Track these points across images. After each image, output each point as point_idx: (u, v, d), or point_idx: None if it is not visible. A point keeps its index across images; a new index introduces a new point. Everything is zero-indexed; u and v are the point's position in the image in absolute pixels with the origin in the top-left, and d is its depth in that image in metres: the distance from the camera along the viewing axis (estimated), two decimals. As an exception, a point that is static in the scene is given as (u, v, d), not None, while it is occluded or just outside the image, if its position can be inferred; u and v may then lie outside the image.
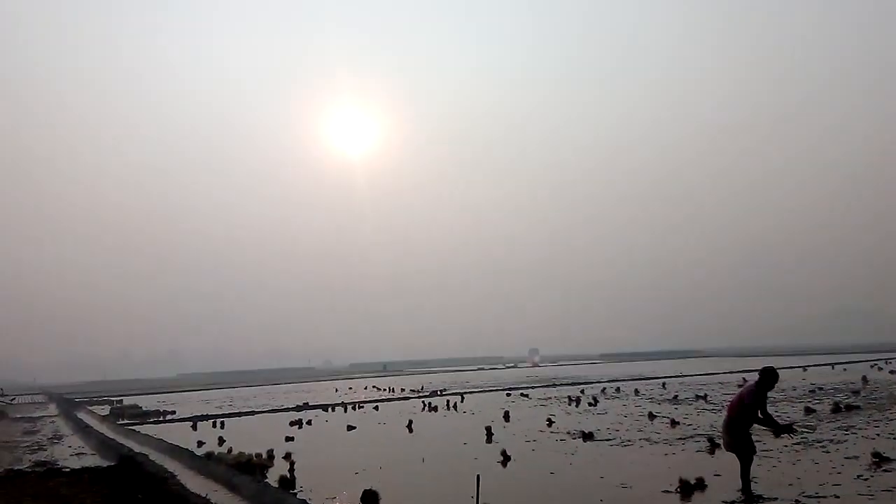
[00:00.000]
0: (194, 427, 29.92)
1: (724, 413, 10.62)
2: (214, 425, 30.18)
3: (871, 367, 52.98)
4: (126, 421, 37.09)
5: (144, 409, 47.79)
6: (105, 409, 49.47)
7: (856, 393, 28.35)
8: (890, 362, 59.21)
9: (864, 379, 36.32)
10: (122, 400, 66.17)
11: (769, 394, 10.37)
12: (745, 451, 10.29)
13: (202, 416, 35.89)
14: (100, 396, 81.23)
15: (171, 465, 17.43)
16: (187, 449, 19.97)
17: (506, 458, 15.41)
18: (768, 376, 10.25)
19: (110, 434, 27.92)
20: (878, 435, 15.96)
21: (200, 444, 22.13)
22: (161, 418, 38.30)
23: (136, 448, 21.39)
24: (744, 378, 45.29)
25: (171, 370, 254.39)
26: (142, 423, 34.25)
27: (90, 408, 52.31)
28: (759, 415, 10.21)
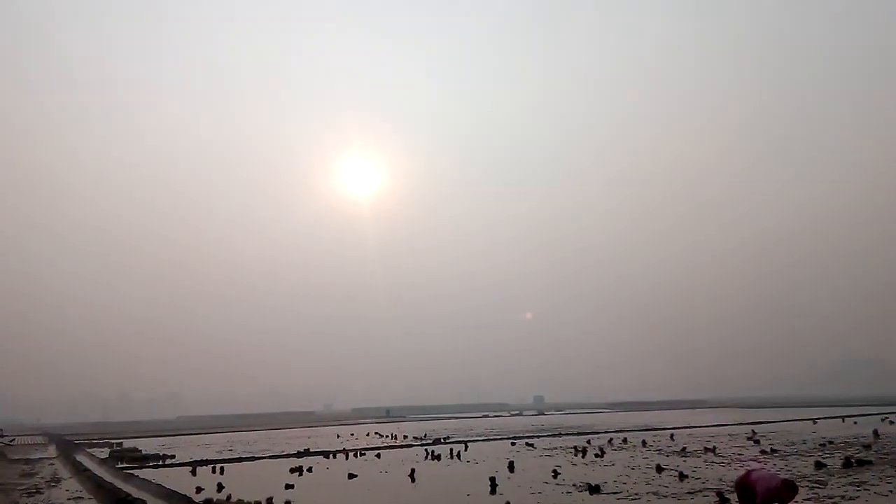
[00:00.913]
0: (193, 472, 29.50)
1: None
2: (214, 470, 29.73)
3: (882, 420, 52.11)
4: (125, 464, 36.60)
5: (144, 452, 47.14)
6: (104, 452, 48.84)
7: (867, 447, 27.85)
8: (901, 416, 58.23)
9: (876, 433, 35.70)
10: (122, 443, 65.39)
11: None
12: None
13: (202, 460, 35.40)
14: (100, 438, 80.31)
15: (170, 512, 17.15)
16: (186, 495, 19.67)
17: (510, 511, 15.11)
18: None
19: (108, 478, 27.55)
20: (891, 492, 15.63)
21: (199, 489, 21.80)
22: (160, 462, 37.78)
23: (135, 493, 21.09)
24: (753, 430, 44.60)
25: (172, 412, 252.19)
26: (141, 468, 33.78)
27: (90, 450, 51.69)
28: None
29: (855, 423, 50.19)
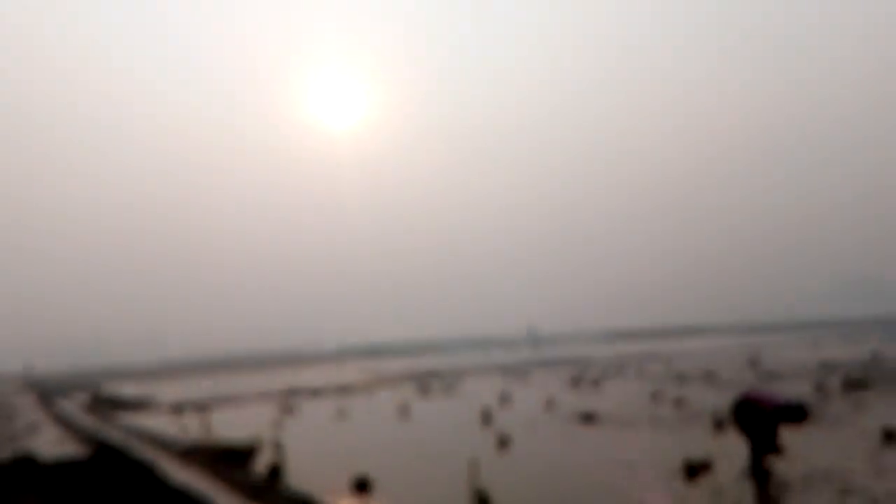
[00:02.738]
0: (178, 414, 30.00)
1: (742, 396, 10.69)
2: (199, 412, 30.23)
3: (881, 340, 53.55)
4: (106, 409, 37.13)
5: (125, 396, 47.85)
6: (85, 397, 49.48)
7: (866, 368, 28.64)
8: (901, 335, 59.87)
9: (875, 353, 36.70)
10: (102, 387, 66.26)
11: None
12: (755, 437, 10.41)
13: (186, 402, 35.98)
14: (80, 381, 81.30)
15: (154, 454, 17.48)
16: (170, 437, 20.03)
17: (503, 442, 15.52)
18: (798, 412, 10.37)
19: (90, 423, 27.96)
20: (889, 411, 16.14)
21: (184, 431, 22.17)
22: (143, 405, 38.36)
23: (117, 437, 21.43)
24: (751, 354, 45.73)
25: (153, 354, 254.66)
26: (123, 411, 34.30)
27: (69, 396, 52.33)
28: (768, 440, 10.27)
29: (854, 343, 51.54)
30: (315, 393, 37.41)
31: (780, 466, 10.56)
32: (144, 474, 13.82)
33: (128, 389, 57.53)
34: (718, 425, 15.65)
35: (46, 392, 58.25)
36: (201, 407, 32.72)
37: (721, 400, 20.89)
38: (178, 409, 32.33)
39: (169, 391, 51.80)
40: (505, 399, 25.95)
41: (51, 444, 22.30)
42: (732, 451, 12.39)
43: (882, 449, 11.80)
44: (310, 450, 16.99)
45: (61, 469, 15.84)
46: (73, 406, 40.63)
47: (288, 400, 33.31)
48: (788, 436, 12.60)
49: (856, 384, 22.27)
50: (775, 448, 10.26)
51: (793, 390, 21.78)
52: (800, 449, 12.13)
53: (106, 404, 41.69)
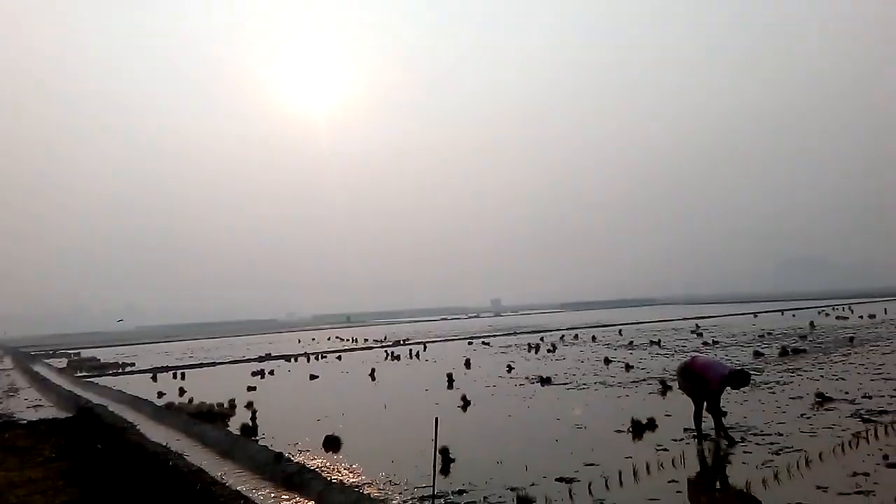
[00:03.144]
0: (154, 378, 29.72)
1: (688, 361, 10.90)
2: (175, 377, 30.02)
3: (819, 313, 55.05)
4: (84, 373, 36.62)
5: (103, 361, 47.20)
6: (62, 362, 48.73)
7: (803, 338, 29.46)
8: (837, 309, 61.57)
9: (812, 324, 37.76)
10: (79, 353, 65.27)
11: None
12: (697, 398, 10.65)
13: (162, 367, 35.64)
14: (56, 350, 79.89)
15: (131, 416, 17.34)
16: (147, 400, 19.87)
17: (466, 403, 15.71)
18: (741, 378, 10.54)
19: (68, 386, 27.57)
20: (822, 376, 16.66)
21: (161, 395, 22.03)
22: (120, 370, 37.91)
23: (95, 399, 21.19)
24: (697, 324, 46.71)
25: (130, 323, 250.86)
26: (100, 376, 33.85)
27: (47, 361, 51.47)
28: (711, 404, 10.52)
29: (793, 316, 52.92)
30: (288, 358, 37.31)
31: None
32: (122, 434, 13.70)
33: (106, 355, 56.68)
34: (664, 388, 16.02)
35: (24, 357, 57.13)
36: (177, 371, 32.44)
37: (667, 365, 21.38)
38: (154, 373, 31.98)
39: (146, 357, 51.18)
40: (468, 364, 26.20)
41: (30, 406, 21.97)
42: (677, 411, 12.72)
43: (814, 410, 12.17)
44: (282, 411, 17.01)
45: (41, 429, 15.61)
46: (51, 370, 39.95)
47: (262, 364, 33.18)
48: (729, 398, 12.97)
49: (793, 352, 22.89)
50: (718, 409, 10.53)
51: (733, 357, 22.33)
52: (739, 411, 12.46)
53: (84, 368, 41.07)
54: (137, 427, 14.95)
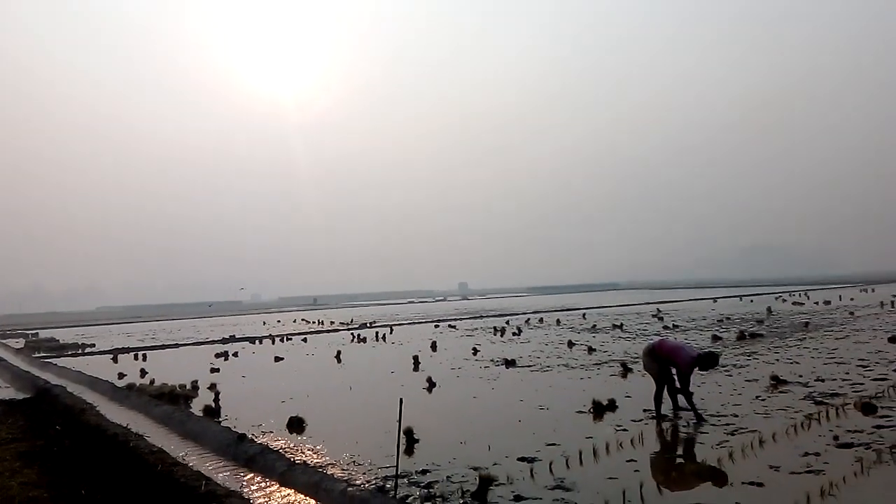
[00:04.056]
0: (115, 360, 29.22)
1: (656, 344, 11.11)
2: (136, 358, 29.55)
3: (776, 299, 56.45)
4: (42, 354, 35.82)
5: (62, 342, 46.22)
6: (19, 343, 47.60)
7: (760, 322, 30.20)
8: (794, 295, 63.19)
9: (769, 310, 38.70)
10: (37, 333, 63.80)
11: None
12: (661, 380, 10.88)
13: (123, 348, 35.04)
14: (13, 329, 77.98)
15: (91, 397, 17.06)
16: (107, 381, 19.54)
17: (431, 385, 15.79)
18: (711, 360, 10.80)
19: (25, 367, 26.97)
20: (777, 360, 17.12)
21: (121, 376, 21.67)
22: (79, 351, 37.16)
23: (53, 380, 20.78)
24: (658, 309, 47.56)
25: (90, 304, 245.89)
26: (59, 356, 33.15)
27: (3, 341, 50.23)
28: (681, 385, 10.76)
29: (752, 301, 54.17)
30: (253, 340, 37.00)
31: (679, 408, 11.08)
32: (81, 415, 13.47)
33: (65, 335, 55.51)
34: (625, 370, 16.31)
35: (-20, 338, 55.64)
36: (139, 352, 31.93)
37: (629, 348, 21.75)
38: (115, 354, 31.44)
39: (106, 338, 50.26)
40: (434, 347, 26.30)
41: (-16, 386, 21.43)
42: (636, 392, 12.96)
43: (769, 393, 12.51)
44: (246, 393, 16.88)
45: (-5, 410, 15.27)
46: (7, 350, 39.02)
47: (225, 346, 32.85)
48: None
49: (750, 336, 23.45)
50: (687, 391, 10.78)
51: (692, 341, 22.78)
52: (696, 393, 12.72)
53: (42, 349, 40.19)
54: (97, 408, 14.72)
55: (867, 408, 10.24)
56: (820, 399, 11.53)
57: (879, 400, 10.92)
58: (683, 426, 10.26)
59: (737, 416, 10.63)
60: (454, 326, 40.43)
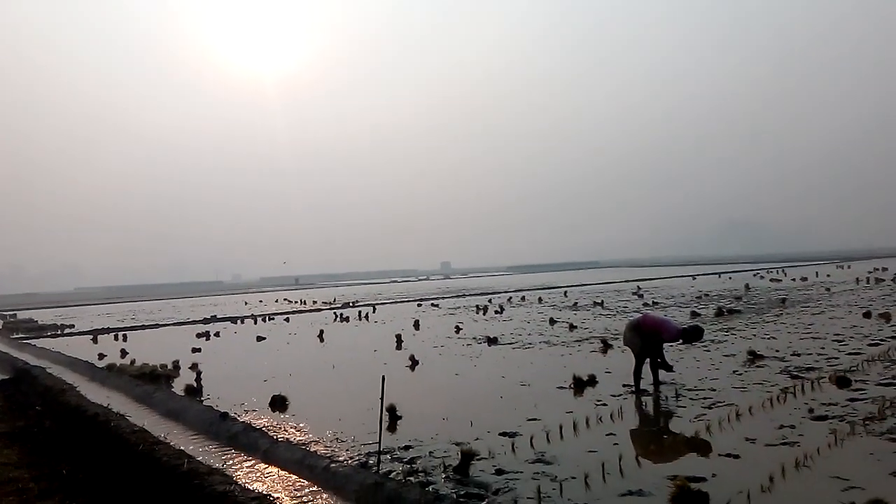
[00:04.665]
0: (95, 340, 28.97)
1: (640, 319, 11.27)
2: (117, 338, 29.31)
3: (754, 276, 57.17)
4: (21, 335, 35.43)
5: (40, 323, 45.68)
6: (-3, 324, 47.01)
7: (738, 299, 30.59)
8: (771, 272, 64.01)
9: (747, 286, 39.19)
10: (15, 314, 63.03)
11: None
12: (643, 355, 11.04)
13: (103, 329, 34.74)
14: (-9, 312, 76.94)
15: (71, 378, 16.92)
16: (87, 362, 19.39)
17: (414, 363, 15.84)
18: (696, 334, 11.15)
19: (3, 348, 26.67)
20: (754, 335, 17.38)
21: (102, 356, 21.48)
22: (59, 332, 36.78)
23: (33, 361, 20.60)
24: (638, 286, 47.98)
25: (69, 284, 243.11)
26: (38, 337, 32.80)
27: (-20, 323, 49.57)
28: (660, 355, 11.01)
29: (730, 278, 54.83)
30: (235, 320, 36.83)
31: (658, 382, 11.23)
32: (61, 396, 13.37)
33: (44, 316, 54.86)
34: (605, 346, 16.47)
35: (-43, 320, 54.84)
36: (119, 333, 31.69)
37: (609, 325, 21.95)
38: (95, 335, 31.17)
39: (86, 319, 49.78)
40: (417, 325, 26.35)
41: (-39, 368, 21.18)
42: (616, 368, 13.11)
43: (746, 367, 12.70)
44: (228, 372, 16.83)
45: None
46: (-15, 333, 38.51)
47: (207, 326, 32.69)
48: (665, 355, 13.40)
49: (728, 312, 23.76)
50: (666, 363, 10.98)
51: (672, 317, 23.03)
52: (675, 367, 12.87)
53: (21, 330, 39.75)
54: (77, 389, 14.61)
55: (841, 381, 10.44)
56: (796, 373, 11.73)
57: (853, 374, 11.13)
58: (663, 400, 10.41)
59: (714, 390, 10.79)
60: (437, 305, 40.53)
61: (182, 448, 8.88)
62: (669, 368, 11.18)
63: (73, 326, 40.38)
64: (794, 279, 47.04)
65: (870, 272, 47.76)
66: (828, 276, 49.44)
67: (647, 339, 10.99)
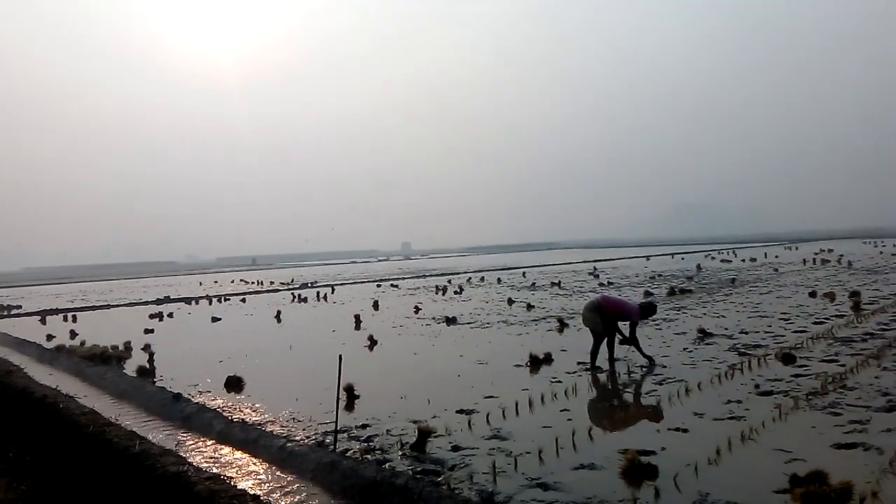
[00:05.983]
0: (43, 321, 28.15)
1: (600, 301, 11.49)
2: (66, 319, 28.53)
3: (706, 256, 58.52)
4: (-36, 317, 34.17)
5: (-14, 304, 44.13)
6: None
7: (689, 279, 31.30)
8: (722, 253, 65.58)
9: (699, 267, 40.12)
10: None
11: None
12: (603, 335, 11.32)
13: (52, 310, 33.76)
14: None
15: (17, 359, 16.44)
16: (35, 343, 18.84)
17: (373, 343, 15.81)
18: (650, 310, 11.85)
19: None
20: (704, 314, 17.82)
21: (50, 337, 20.90)
22: (5, 313, 35.61)
23: (-24, 343, 19.89)
24: (594, 267, 48.70)
25: (16, 264, 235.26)
26: (-17, 319, 31.69)
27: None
28: (632, 337, 11.36)
29: (682, 259, 56.02)
30: (189, 301, 36.17)
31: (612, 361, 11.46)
32: (6, 377, 12.98)
33: (-12, 298, 52.98)
34: (562, 325, 16.70)
35: None
36: (68, 313, 30.84)
37: (566, 304, 22.24)
38: (43, 315, 30.27)
39: (34, 299, 48.28)
40: (377, 305, 26.29)
41: None
42: (572, 346, 13.31)
43: (696, 345, 13.01)
44: (182, 354, 16.55)
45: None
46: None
47: (160, 307, 32.03)
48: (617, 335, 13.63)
49: (679, 291, 24.29)
50: (636, 340, 11.32)
51: (627, 296, 23.44)
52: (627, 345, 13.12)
53: (-36, 312, 38.30)
54: (25, 370, 14.20)
55: (787, 358, 10.79)
56: (743, 350, 12.07)
57: (799, 351, 11.51)
58: (616, 377, 10.62)
59: (665, 366, 11.05)
60: (397, 286, 40.46)
61: (134, 429, 8.71)
62: (637, 345, 11.45)
63: (20, 307, 39.14)
64: (743, 260, 48.28)
65: (816, 253, 49.33)
66: (776, 257, 50.85)
67: (608, 319, 11.28)
